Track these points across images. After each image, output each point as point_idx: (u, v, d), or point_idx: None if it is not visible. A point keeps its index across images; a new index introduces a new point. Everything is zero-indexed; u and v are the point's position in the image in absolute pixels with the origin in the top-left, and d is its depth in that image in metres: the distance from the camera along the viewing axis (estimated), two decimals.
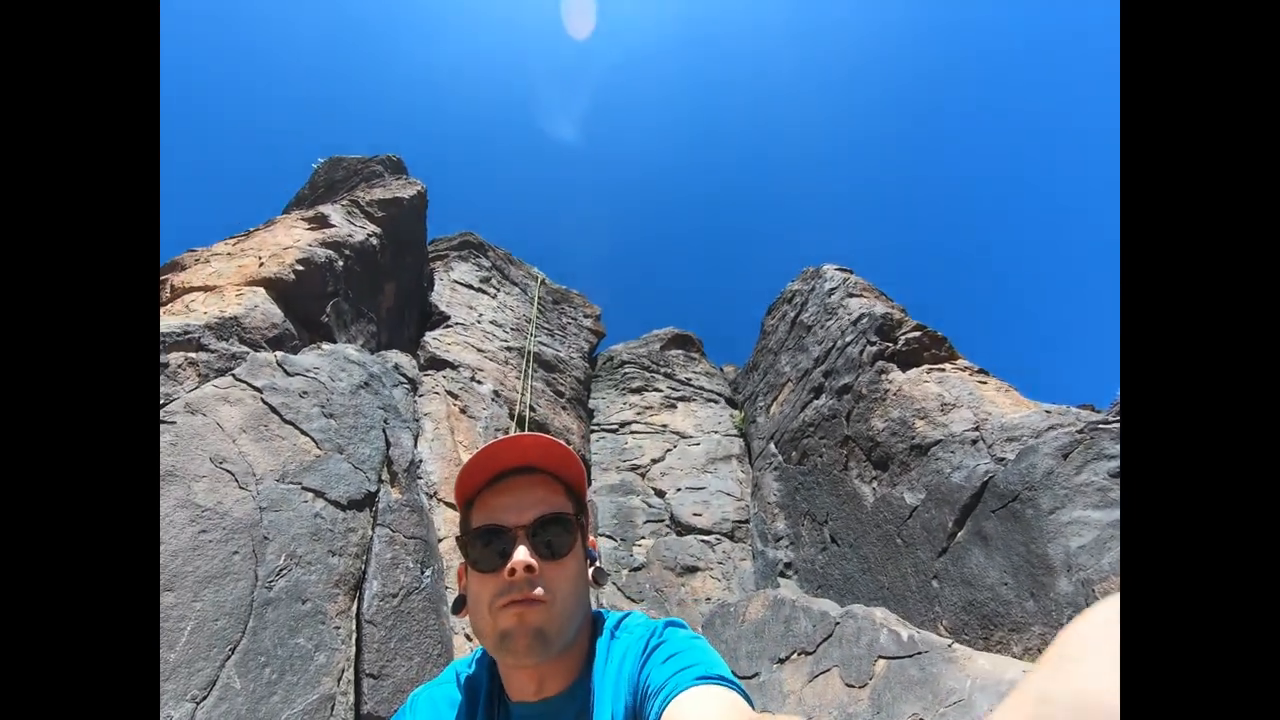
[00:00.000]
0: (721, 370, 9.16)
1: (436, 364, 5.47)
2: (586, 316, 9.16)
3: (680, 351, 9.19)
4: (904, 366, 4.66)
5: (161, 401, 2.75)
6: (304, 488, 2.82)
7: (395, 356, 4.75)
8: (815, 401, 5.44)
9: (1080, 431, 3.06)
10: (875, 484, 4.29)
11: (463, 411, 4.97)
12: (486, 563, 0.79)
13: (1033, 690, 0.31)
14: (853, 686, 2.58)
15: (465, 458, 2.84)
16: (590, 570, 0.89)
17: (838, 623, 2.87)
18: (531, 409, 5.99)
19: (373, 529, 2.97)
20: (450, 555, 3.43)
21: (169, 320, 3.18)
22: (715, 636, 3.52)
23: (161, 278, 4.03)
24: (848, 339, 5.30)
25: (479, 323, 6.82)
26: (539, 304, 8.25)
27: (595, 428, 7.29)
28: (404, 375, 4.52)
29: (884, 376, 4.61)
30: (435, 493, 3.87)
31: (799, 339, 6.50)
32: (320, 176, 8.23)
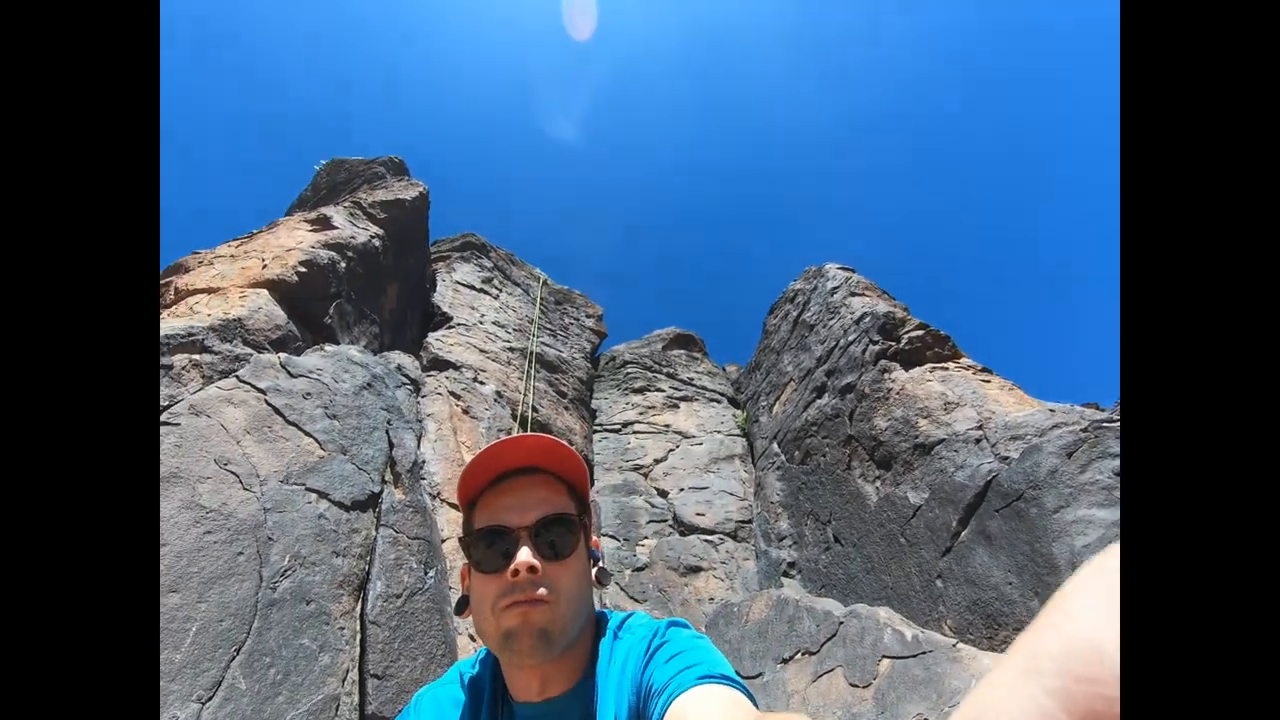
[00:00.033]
0: (724, 370, 9.15)
1: (439, 365, 5.48)
2: (589, 317, 9.16)
3: (682, 351, 9.19)
4: (907, 365, 4.64)
5: (166, 403, 2.76)
6: (308, 489, 2.83)
7: (398, 357, 4.76)
8: (818, 401, 5.43)
9: (1084, 430, 3.05)
10: (878, 483, 4.28)
11: (465, 412, 4.98)
12: (490, 563, 0.79)
13: (1026, 643, 0.30)
14: (857, 686, 2.57)
15: (468, 458, 2.84)
16: (593, 570, 0.89)
17: (841, 622, 2.86)
18: (534, 409, 5.99)
19: (376, 530, 2.98)
20: (453, 556, 3.44)
21: (173, 322, 3.19)
22: (719, 636, 3.51)
23: (165, 280, 4.04)
24: (850, 338, 5.29)
25: (481, 323, 6.82)
26: (541, 304, 8.25)
27: (598, 428, 7.29)
28: (407, 376, 4.53)
29: (887, 375, 4.60)
30: (438, 493, 3.88)
31: (801, 338, 6.48)
32: (322, 178, 8.25)
